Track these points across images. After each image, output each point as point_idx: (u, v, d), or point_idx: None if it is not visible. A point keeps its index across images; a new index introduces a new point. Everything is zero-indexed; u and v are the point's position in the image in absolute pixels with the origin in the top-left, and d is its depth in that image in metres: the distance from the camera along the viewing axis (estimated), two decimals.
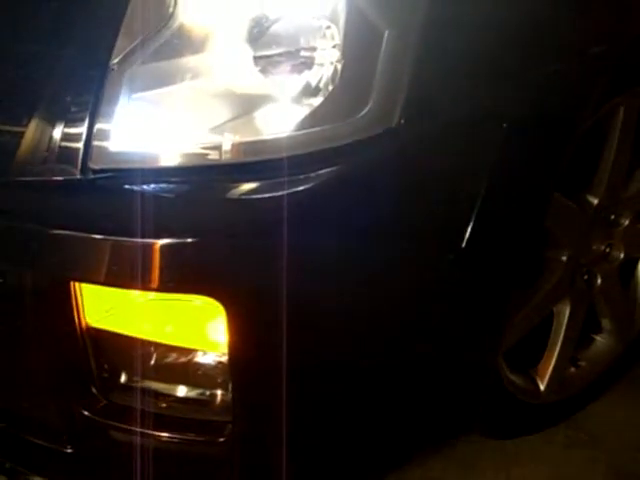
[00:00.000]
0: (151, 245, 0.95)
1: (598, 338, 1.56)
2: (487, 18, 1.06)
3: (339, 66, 0.99)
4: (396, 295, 1.07)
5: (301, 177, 0.97)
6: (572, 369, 1.52)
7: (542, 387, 1.45)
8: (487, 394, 1.31)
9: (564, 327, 1.45)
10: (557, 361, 1.45)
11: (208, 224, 0.97)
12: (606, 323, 1.56)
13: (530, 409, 1.45)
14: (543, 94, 1.13)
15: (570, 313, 1.45)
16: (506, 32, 1.08)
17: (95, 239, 0.96)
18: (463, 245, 1.08)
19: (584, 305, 1.49)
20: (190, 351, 1.09)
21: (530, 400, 1.43)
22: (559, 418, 1.51)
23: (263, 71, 1.02)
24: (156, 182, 0.98)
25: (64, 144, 1.00)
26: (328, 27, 1.00)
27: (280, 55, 1.02)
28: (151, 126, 0.99)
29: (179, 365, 1.09)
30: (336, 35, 1.00)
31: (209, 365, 1.08)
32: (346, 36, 0.98)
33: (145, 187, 0.98)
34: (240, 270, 0.98)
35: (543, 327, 1.45)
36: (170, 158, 0.99)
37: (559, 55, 1.15)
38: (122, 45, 0.98)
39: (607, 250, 1.48)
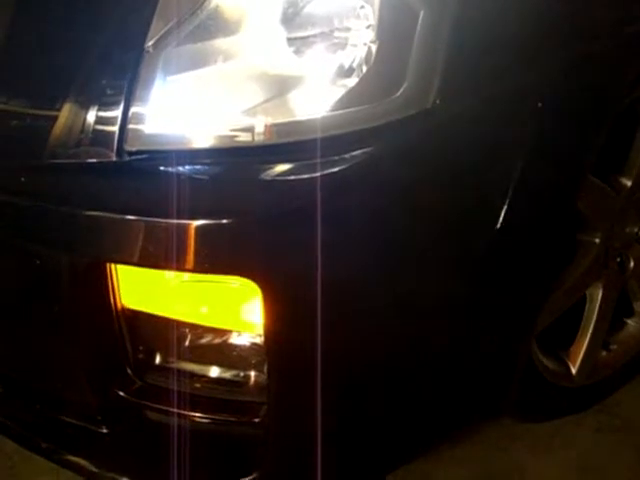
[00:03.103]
0: (186, 226, 0.95)
1: (630, 322, 1.55)
2: None
3: (373, 47, 0.98)
4: (431, 277, 1.07)
5: (335, 158, 0.96)
6: (604, 352, 1.51)
7: (574, 370, 1.44)
8: (519, 377, 1.31)
9: (596, 310, 1.44)
10: (589, 344, 1.44)
11: (243, 205, 0.97)
12: (638, 306, 1.55)
13: (562, 392, 1.44)
14: (578, 74, 1.12)
15: (602, 296, 1.44)
16: (541, 11, 1.06)
17: (131, 220, 0.97)
18: (498, 226, 1.08)
19: (617, 288, 1.48)
20: (225, 332, 1.09)
21: (562, 383, 1.43)
22: (590, 402, 1.51)
23: (297, 52, 1.02)
24: (191, 164, 0.98)
25: (99, 127, 1.00)
26: (362, 7, 1.00)
27: (314, 36, 1.02)
28: (186, 108, 1.00)
29: (214, 346, 1.10)
30: (370, 15, 0.99)
31: (244, 346, 1.09)
32: (381, 16, 0.98)
33: (180, 169, 0.98)
34: (275, 251, 0.98)
35: (575, 310, 1.45)
36: (205, 140, 0.99)
37: (593, 35, 1.14)
38: (157, 27, 0.98)
39: None
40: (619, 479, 1.40)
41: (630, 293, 1.53)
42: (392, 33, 0.98)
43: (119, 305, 1.07)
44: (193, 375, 1.10)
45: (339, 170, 0.96)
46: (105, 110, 1.00)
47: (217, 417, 1.08)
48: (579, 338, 1.45)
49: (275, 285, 0.98)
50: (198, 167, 0.98)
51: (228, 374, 1.10)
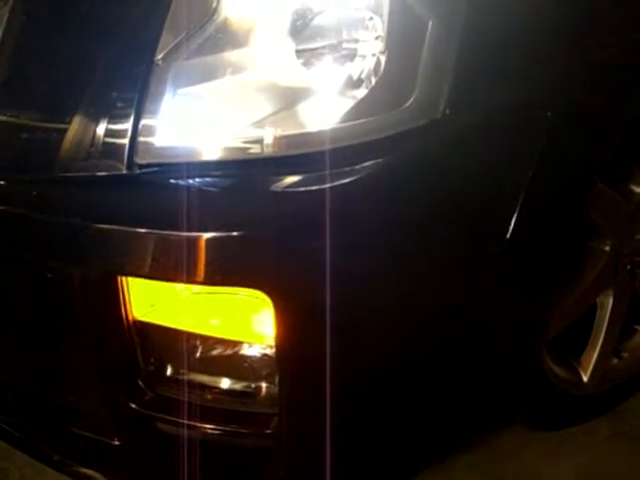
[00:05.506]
0: (197, 238, 0.95)
1: None
2: (529, 6, 1.05)
3: (382, 58, 0.99)
4: (442, 286, 1.07)
5: (346, 169, 0.96)
6: (615, 360, 1.50)
7: (585, 378, 1.44)
8: (531, 385, 1.30)
9: (607, 318, 1.44)
10: (600, 352, 1.44)
11: (253, 217, 0.97)
12: None
13: (573, 400, 1.44)
14: (586, 82, 1.12)
15: (613, 304, 1.44)
16: (548, 20, 1.07)
17: (142, 233, 0.97)
18: (508, 236, 1.07)
19: (627, 296, 1.47)
20: (236, 343, 1.09)
21: (573, 391, 1.42)
22: (602, 410, 1.50)
23: (306, 64, 1.02)
24: (201, 176, 0.99)
25: (109, 140, 1.00)
26: (371, 18, 1.00)
27: (323, 48, 1.02)
28: (195, 121, 1.00)
29: (225, 357, 1.10)
30: (379, 26, 0.99)
31: (255, 357, 1.09)
32: (389, 27, 0.98)
33: (190, 181, 0.98)
34: (286, 263, 0.98)
35: (586, 318, 1.44)
36: (214, 152, 0.99)
37: (602, 43, 1.14)
38: (166, 41, 0.98)
39: None
40: None
41: None
42: (401, 44, 0.98)
43: (130, 317, 1.07)
44: (204, 386, 1.10)
45: (349, 181, 0.96)
46: (115, 123, 1.00)
47: (228, 428, 1.08)
48: (590, 346, 1.44)
49: (286, 296, 0.98)
50: (208, 179, 0.99)
51: (239, 385, 1.10)
